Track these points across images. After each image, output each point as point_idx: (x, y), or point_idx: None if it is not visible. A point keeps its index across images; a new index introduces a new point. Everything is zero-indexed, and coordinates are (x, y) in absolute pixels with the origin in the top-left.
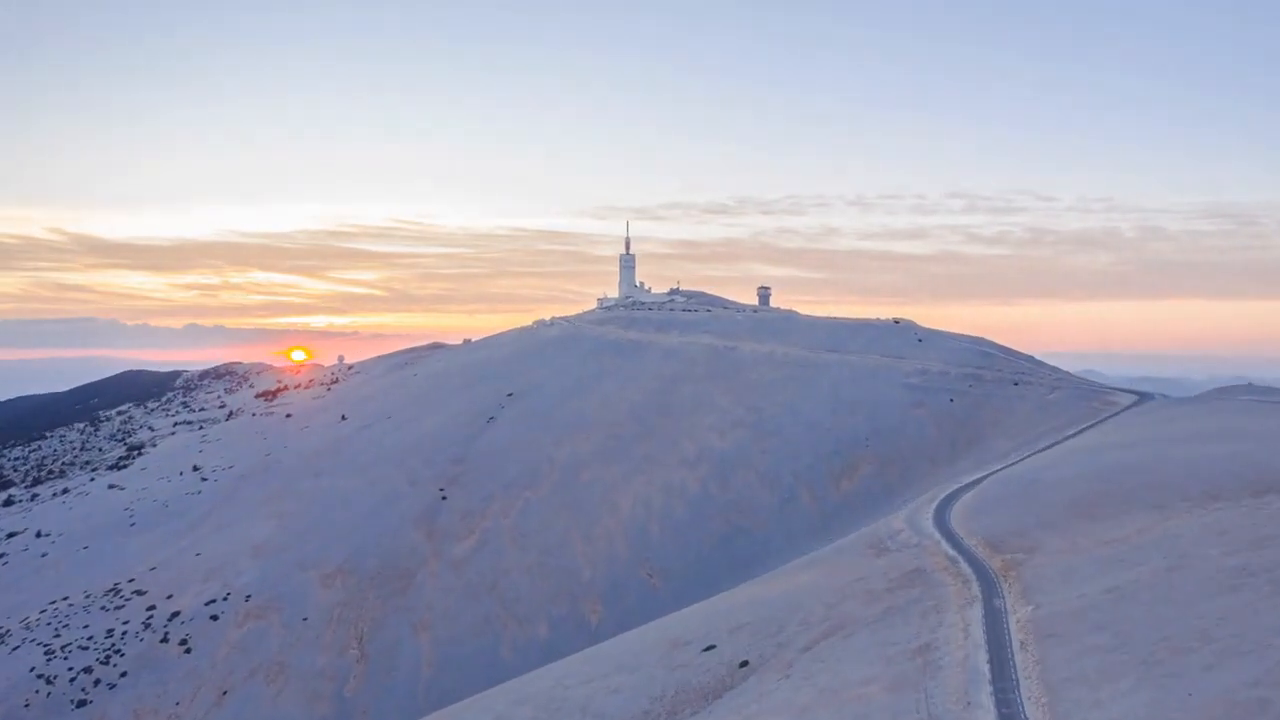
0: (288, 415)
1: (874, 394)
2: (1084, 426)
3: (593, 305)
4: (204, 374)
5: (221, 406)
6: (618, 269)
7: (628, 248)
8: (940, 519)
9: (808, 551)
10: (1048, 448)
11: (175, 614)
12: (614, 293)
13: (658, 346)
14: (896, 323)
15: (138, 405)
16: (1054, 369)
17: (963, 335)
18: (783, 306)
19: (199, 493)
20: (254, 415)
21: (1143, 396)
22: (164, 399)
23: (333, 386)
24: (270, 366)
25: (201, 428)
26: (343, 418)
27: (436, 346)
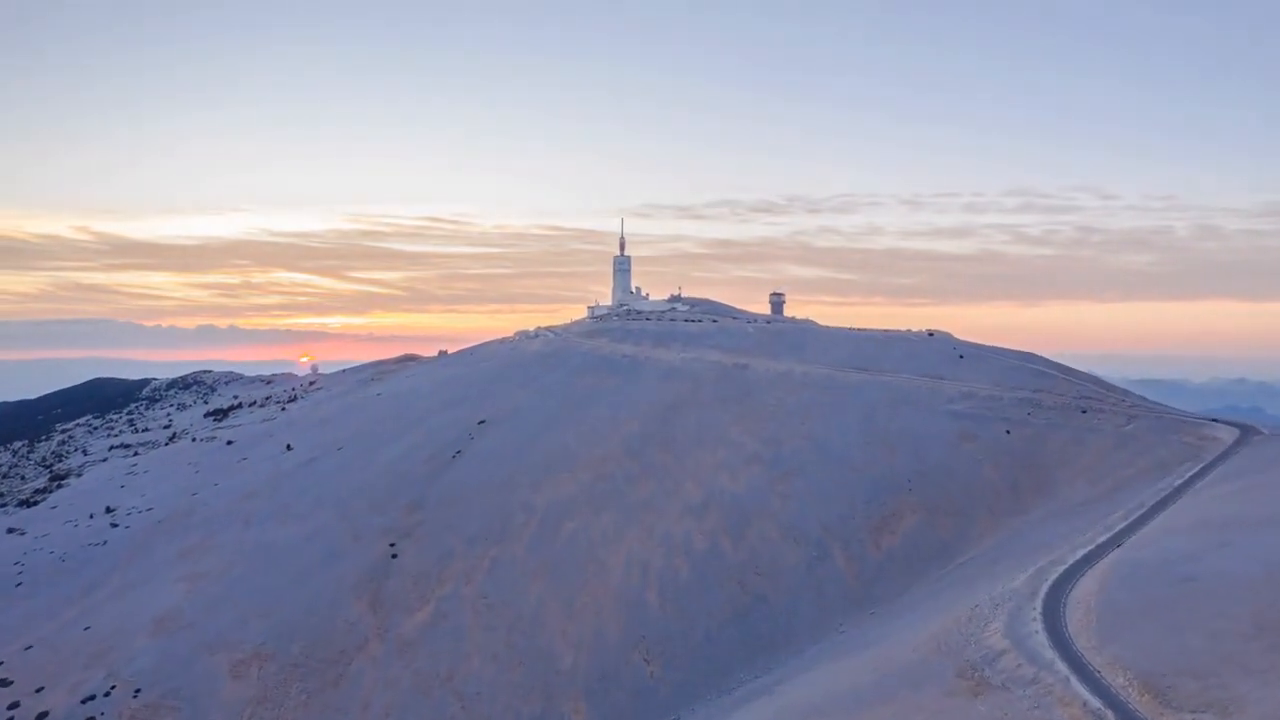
0: (228, 442)
1: (914, 423)
2: (1190, 472)
3: (604, 309)
4: (172, 383)
5: (166, 426)
6: (626, 271)
7: (622, 248)
8: (1058, 635)
9: (845, 629)
10: (1159, 505)
11: (42, 716)
12: (607, 299)
13: (656, 364)
14: (931, 335)
15: (98, 417)
16: (1124, 391)
17: (1009, 350)
18: (799, 315)
19: (104, 544)
20: (194, 440)
21: (1245, 430)
22: (126, 410)
23: (289, 405)
24: (240, 375)
25: (137, 454)
26: (288, 447)
27: (409, 359)
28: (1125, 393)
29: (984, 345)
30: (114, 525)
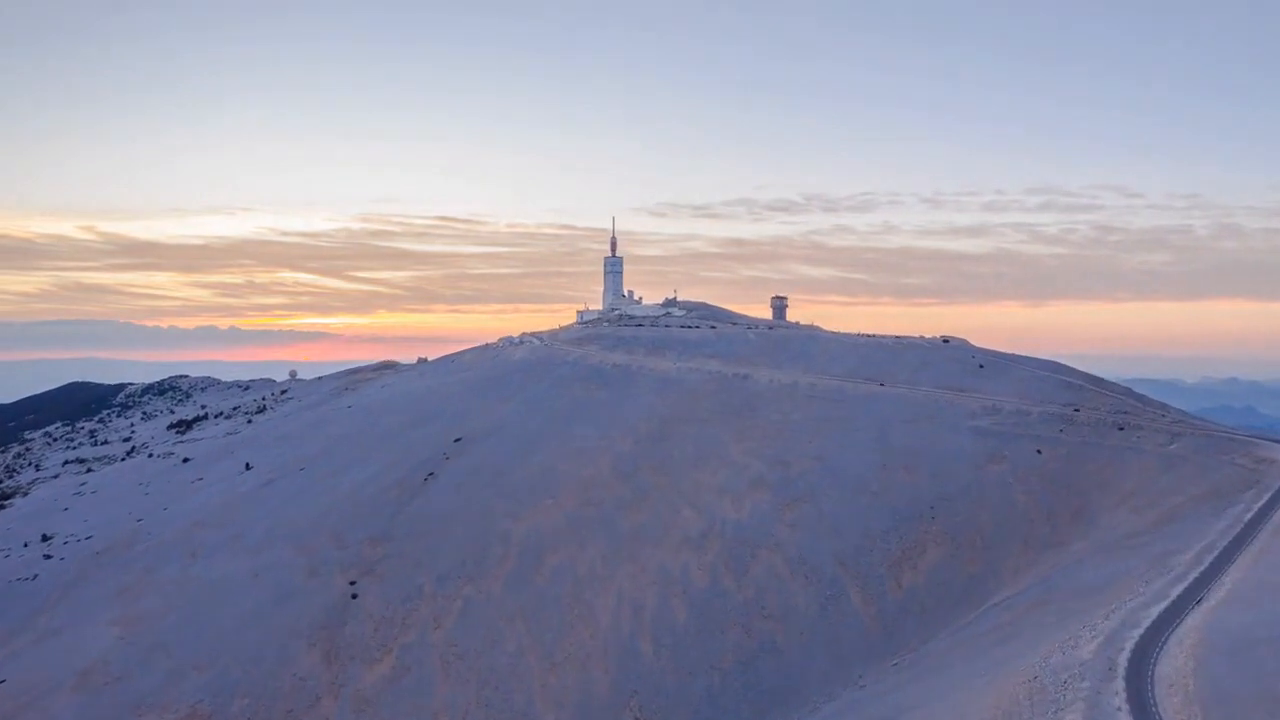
0: (185, 460)
1: (934, 442)
2: (1258, 503)
3: (594, 314)
4: (148, 388)
5: (126, 439)
6: (618, 273)
7: (613, 249)
8: None
9: (864, 682)
10: (1235, 545)
11: None
12: (597, 304)
13: (650, 374)
14: (946, 342)
15: (67, 424)
16: (1160, 405)
17: (1032, 358)
18: (803, 319)
19: (34, 578)
20: (151, 456)
21: None
22: (97, 416)
23: (256, 416)
24: (217, 381)
25: (90, 470)
26: (246, 466)
27: (386, 367)
28: (1163, 406)
29: (1004, 353)
30: (47, 557)
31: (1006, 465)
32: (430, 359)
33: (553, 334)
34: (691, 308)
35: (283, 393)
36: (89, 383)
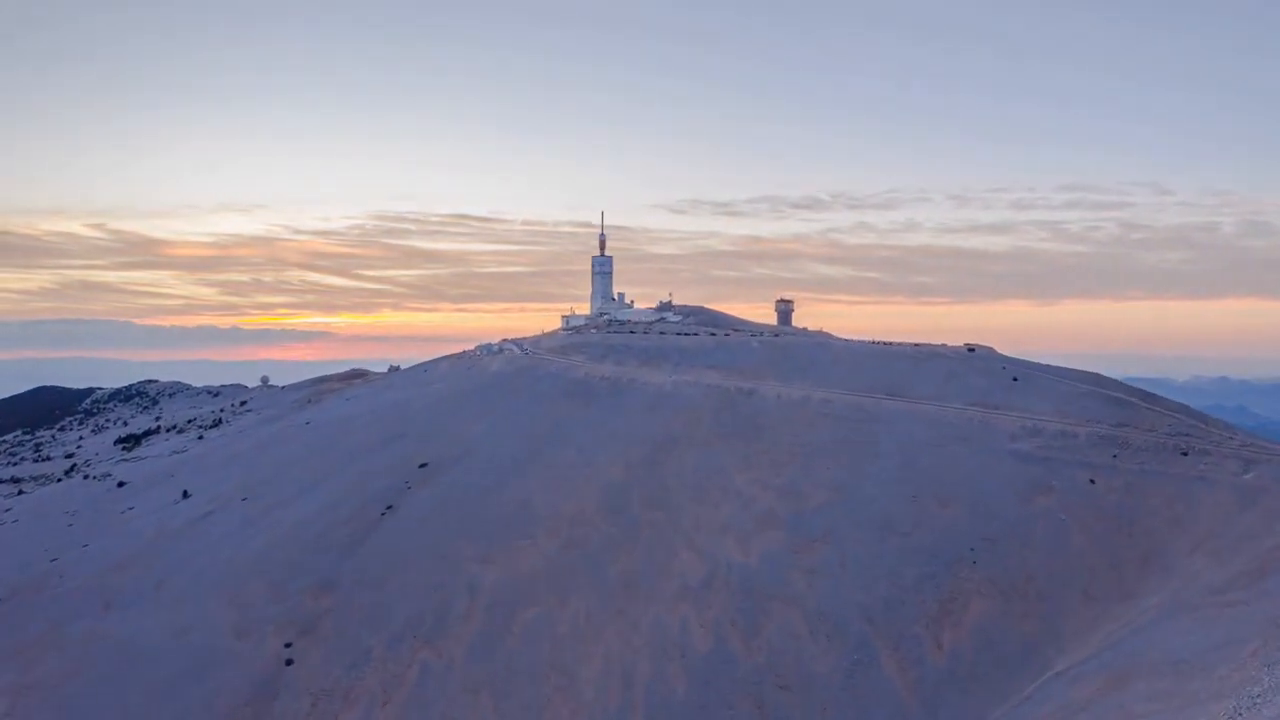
0: (120, 484)
1: (969, 469)
2: None
3: (580, 319)
4: (115, 393)
5: (69, 455)
6: (607, 274)
7: (602, 248)
8: None
9: None
10: None
11: None
12: (584, 308)
13: (643, 389)
14: (971, 350)
15: (27, 432)
16: (1224, 425)
17: (1070, 369)
18: (811, 323)
19: None
20: (87, 478)
21: None
22: (60, 425)
23: (209, 431)
24: (187, 386)
25: (21, 492)
26: (184, 494)
27: (356, 375)
28: (1227, 426)
29: (1036, 363)
30: None
31: (1056, 498)
32: (402, 367)
33: (535, 341)
34: (688, 312)
35: (242, 404)
36: (57, 387)
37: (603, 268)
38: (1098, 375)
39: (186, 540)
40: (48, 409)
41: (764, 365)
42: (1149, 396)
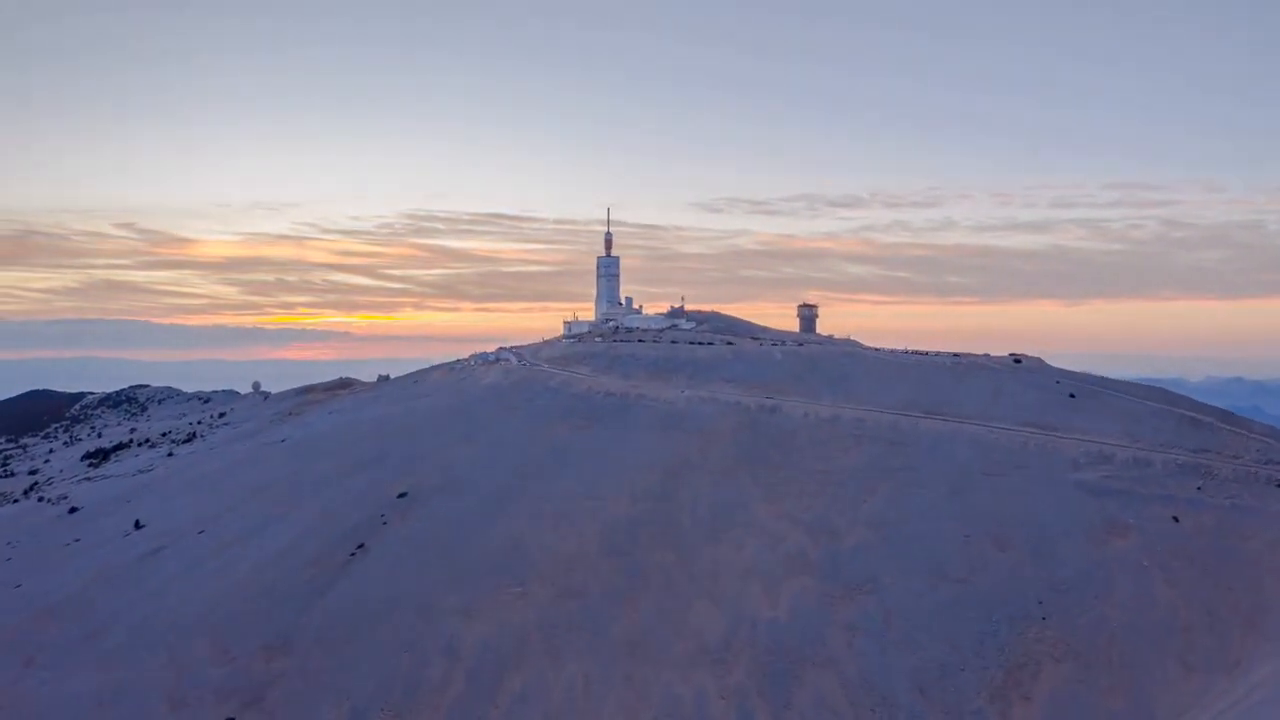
0: (72, 510)
1: (1029, 503)
2: None
3: (584, 326)
4: (105, 398)
5: (34, 472)
6: (614, 277)
7: (608, 247)
8: None
9: None
10: None
11: None
12: (590, 312)
13: (652, 406)
14: (1018, 361)
15: (12, 440)
16: None
17: (1133, 382)
18: (836, 325)
19: None
20: (43, 499)
21: None
22: (44, 432)
23: (180, 447)
24: (178, 392)
25: None
26: (136, 525)
27: (342, 385)
28: None
29: (1091, 375)
30: None
31: (1134, 540)
32: (393, 377)
33: (535, 350)
34: (702, 319)
35: (220, 415)
36: (50, 391)
37: (609, 269)
38: (1165, 391)
39: (129, 582)
40: (37, 414)
41: (788, 378)
42: (1227, 416)
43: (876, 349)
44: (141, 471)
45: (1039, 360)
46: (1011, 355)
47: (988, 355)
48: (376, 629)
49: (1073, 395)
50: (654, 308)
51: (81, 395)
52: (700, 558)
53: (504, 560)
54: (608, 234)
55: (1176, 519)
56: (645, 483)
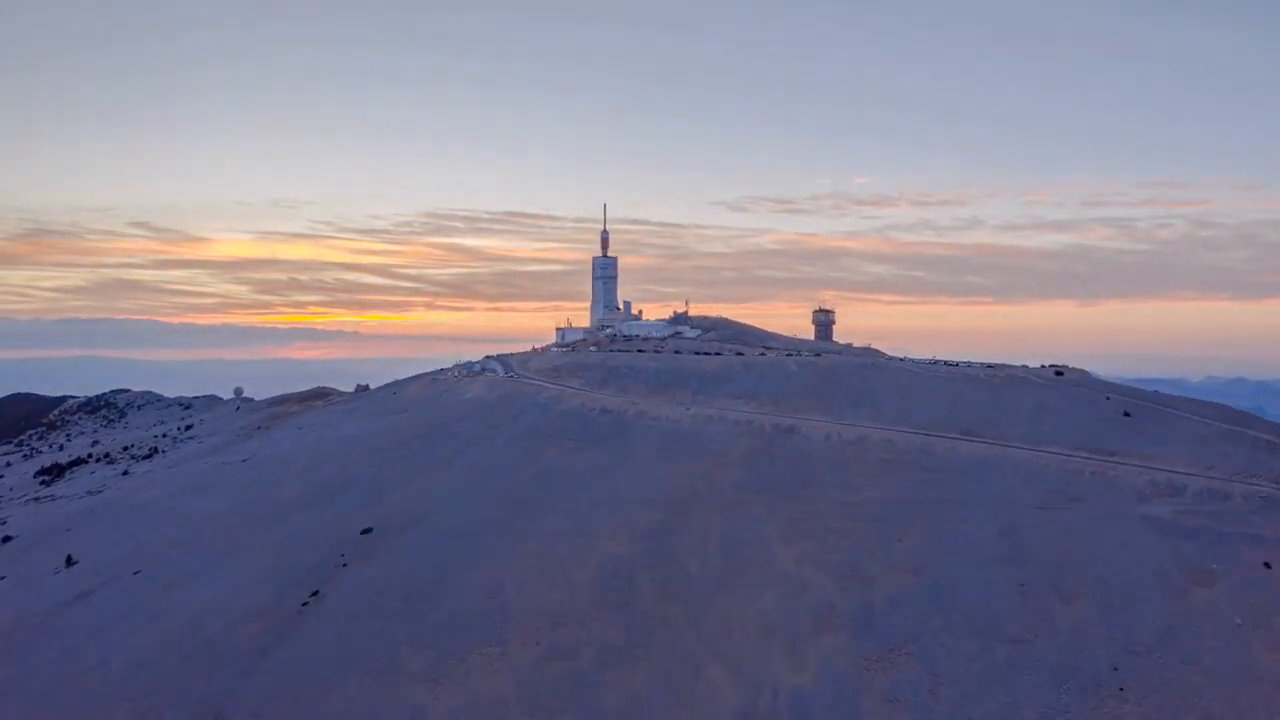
0: (4, 540)
1: (1091, 544)
2: None
3: (578, 333)
4: (85, 403)
5: None
6: (611, 279)
7: (604, 247)
8: None
9: None
10: None
11: None
12: (584, 318)
13: (653, 426)
14: (1059, 374)
15: None
16: None
17: (1191, 399)
18: (846, 330)
19: None
20: None
21: None
22: (17, 440)
23: (136, 466)
24: (160, 397)
25: None
26: (68, 561)
27: (317, 395)
28: None
29: (1143, 389)
30: None
31: (1221, 590)
32: (372, 387)
33: (523, 359)
34: (708, 325)
35: (186, 428)
36: (32, 394)
37: (605, 271)
38: (1229, 408)
39: (46, 635)
40: (16, 420)
41: (805, 394)
42: None
43: (900, 359)
44: (91, 493)
45: (1082, 372)
46: (1052, 367)
47: (1024, 366)
48: (326, 698)
49: (1127, 414)
50: (657, 311)
51: (63, 399)
52: (710, 610)
53: (479, 613)
54: (604, 232)
55: (1268, 564)
56: (646, 518)
